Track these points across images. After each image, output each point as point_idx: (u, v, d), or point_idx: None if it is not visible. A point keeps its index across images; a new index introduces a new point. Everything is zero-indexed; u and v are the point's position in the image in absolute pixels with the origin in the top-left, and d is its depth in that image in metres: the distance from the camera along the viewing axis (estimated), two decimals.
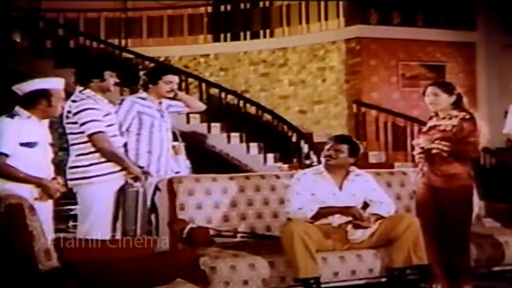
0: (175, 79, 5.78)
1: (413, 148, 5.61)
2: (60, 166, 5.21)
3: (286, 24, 12.68)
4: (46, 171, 4.76)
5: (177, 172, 5.70)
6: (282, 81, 12.62)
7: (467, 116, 5.32)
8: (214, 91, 11.79)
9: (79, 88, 5.28)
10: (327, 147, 5.34)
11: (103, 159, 5.15)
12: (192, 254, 4.62)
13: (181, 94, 5.98)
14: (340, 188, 5.30)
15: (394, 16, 11.88)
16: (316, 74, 12.26)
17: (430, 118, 5.49)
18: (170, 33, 13.50)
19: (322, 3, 12.19)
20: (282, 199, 5.52)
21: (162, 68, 6.41)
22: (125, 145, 5.50)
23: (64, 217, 7.94)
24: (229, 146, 11.09)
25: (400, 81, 11.85)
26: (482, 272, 5.64)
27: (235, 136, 11.13)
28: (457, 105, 5.40)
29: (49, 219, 4.74)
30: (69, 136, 5.21)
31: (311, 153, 10.08)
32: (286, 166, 10.23)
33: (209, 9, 13.48)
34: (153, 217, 5.45)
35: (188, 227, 5.04)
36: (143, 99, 5.68)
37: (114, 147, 5.20)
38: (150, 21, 13.55)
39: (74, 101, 5.17)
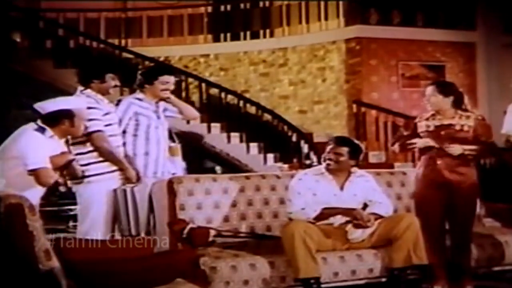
0: (171, 79, 5.74)
1: (404, 144, 5.57)
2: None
3: (286, 24, 12.69)
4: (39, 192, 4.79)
5: (173, 174, 5.68)
6: (282, 81, 12.63)
7: (480, 117, 5.39)
8: (214, 91, 11.79)
9: (80, 88, 5.30)
10: (327, 149, 5.32)
11: (101, 158, 5.16)
12: (192, 254, 4.61)
13: (176, 100, 5.90)
14: (342, 188, 5.29)
15: (394, 16, 11.89)
16: (316, 74, 12.26)
17: (433, 117, 5.46)
18: (170, 33, 13.50)
19: (322, 3, 12.20)
20: (282, 199, 5.51)
21: (159, 68, 6.38)
22: (124, 144, 5.51)
23: (64, 217, 7.94)
24: (229, 146, 11.09)
25: (400, 81, 11.86)
26: (482, 272, 5.64)
27: (235, 136, 11.14)
28: (458, 105, 5.40)
29: None
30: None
31: (311, 153, 10.09)
32: (286, 166, 10.22)
33: (209, 9, 13.49)
34: (151, 217, 5.46)
35: (188, 227, 5.04)
36: (140, 99, 5.65)
37: (112, 147, 5.21)
38: (150, 21, 13.55)
39: None
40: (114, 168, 5.21)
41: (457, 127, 5.36)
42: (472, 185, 5.37)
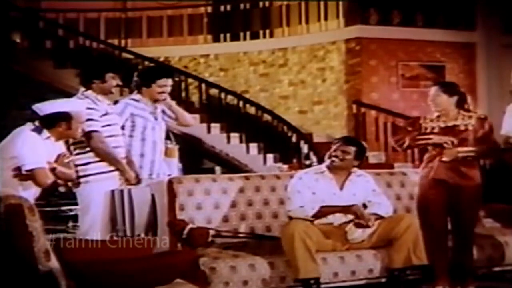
0: (169, 82, 5.73)
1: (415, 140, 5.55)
2: None
3: (286, 24, 12.68)
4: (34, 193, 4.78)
5: (169, 175, 5.67)
6: (282, 82, 12.63)
7: (482, 116, 5.38)
8: (214, 91, 11.80)
9: (81, 89, 5.30)
10: (334, 147, 5.32)
11: (99, 158, 5.17)
12: (192, 255, 4.61)
13: (175, 106, 5.90)
14: (341, 188, 5.30)
15: (394, 16, 11.89)
16: (316, 74, 12.26)
17: (437, 118, 5.44)
18: (170, 33, 13.50)
19: (322, 3, 12.20)
20: (282, 200, 5.51)
21: (157, 71, 6.35)
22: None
23: (64, 217, 7.93)
24: (229, 146, 11.09)
25: (399, 82, 11.86)
26: (482, 272, 5.64)
27: (235, 136, 11.14)
28: (461, 105, 5.39)
29: None
30: None
31: (311, 154, 10.09)
32: (286, 166, 10.23)
33: (209, 9, 13.48)
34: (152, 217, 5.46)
35: (187, 228, 5.04)
36: (137, 100, 5.64)
37: (109, 147, 5.21)
38: (150, 21, 13.55)
39: None
40: (113, 168, 5.22)
41: (462, 128, 5.35)
42: (475, 186, 5.35)
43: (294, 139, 10.65)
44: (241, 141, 11.07)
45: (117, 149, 5.29)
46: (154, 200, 5.40)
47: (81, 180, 5.16)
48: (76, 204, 5.56)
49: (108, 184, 5.20)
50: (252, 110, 11.36)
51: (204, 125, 11.19)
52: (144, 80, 5.69)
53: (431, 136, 5.39)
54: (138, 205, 5.28)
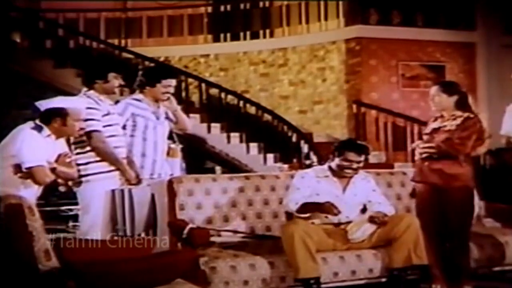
0: (173, 83, 5.73)
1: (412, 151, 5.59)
2: None
3: (286, 24, 12.68)
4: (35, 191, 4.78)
5: (171, 175, 5.67)
6: (282, 81, 12.62)
7: (471, 116, 5.32)
8: (214, 91, 11.79)
9: (84, 89, 5.31)
10: (350, 158, 5.24)
11: (100, 158, 5.17)
12: (192, 254, 4.61)
13: (179, 111, 5.88)
14: (344, 190, 5.32)
15: (394, 16, 11.88)
16: (316, 74, 12.26)
17: (435, 119, 5.45)
18: (170, 33, 13.49)
19: (322, 3, 12.19)
20: (282, 199, 5.51)
21: (162, 70, 6.35)
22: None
23: (64, 217, 7.94)
24: (229, 146, 11.09)
25: (400, 81, 11.85)
26: (482, 272, 5.64)
27: (235, 136, 11.13)
28: (461, 105, 5.38)
29: None
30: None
31: (311, 153, 10.08)
32: (286, 166, 10.23)
33: (209, 9, 13.47)
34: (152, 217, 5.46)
35: (188, 227, 5.04)
36: (139, 100, 5.64)
37: (110, 147, 5.21)
38: (150, 21, 13.54)
39: None
40: (114, 168, 5.22)
41: (447, 128, 5.31)
42: (463, 187, 5.29)
43: (294, 139, 10.64)
44: (241, 141, 11.07)
45: (118, 149, 5.29)
46: (154, 200, 5.40)
47: (82, 179, 5.16)
48: (76, 203, 5.57)
49: (108, 183, 5.21)
50: (252, 110, 11.35)
51: (204, 125, 11.19)
52: (149, 79, 5.67)
53: (414, 145, 5.46)
54: (138, 205, 5.28)
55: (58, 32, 12.86)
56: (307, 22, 12.43)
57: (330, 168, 5.34)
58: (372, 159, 10.81)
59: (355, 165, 5.26)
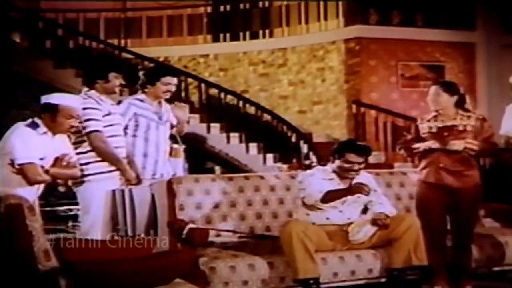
0: (174, 81, 5.75)
1: (409, 148, 5.58)
2: None
3: (286, 24, 12.68)
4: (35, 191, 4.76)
5: (173, 175, 5.68)
6: (282, 81, 12.63)
7: (481, 116, 5.41)
8: (213, 91, 11.79)
9: (85, 89, 5.31)
10: (351, 159, 5.22)
11: (100, 158, 5.17)
12: (192, 254, 4.61)
13: (184, 116, 5.94)
14: None
15: (394, 16, 11.88)
16: (315, 74, 12.26)
17: (435, 118, 5.45)
18: (169, 33, 13.49)
19: (322, 3, 12.19)
20: (281, 200, 5.52)
21: (161, 69, 6.37)
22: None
23: (64, 217, 7.94)
24: (229, 146, 11.09)
25: (399, 81, 11.85)
26: (482, 272, 5.64)
27: (234, 136, 11.13)
28: (460, 105, 5.40)
29: None
30: (72, 135, 5.22)
31: (311, 153, 10.08)
32: (285, 166, 10.23)
33: (209, 9, 13.48)
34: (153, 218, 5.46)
35: (187, 228, 5.04)
36: (141, 100, 5.65)
37: (110, 147, 5.21)
38: (150, 21, 13.54)
39: None
40: (114, 168, 5.22)
41: (460, 128, 5.35)
42: (474, 187, 5.37)
43: (293, 139, 10.64)
44: (240, 141, 11.07)
45: (118, 149, 5.29)
46: (154, 200, 5.41)
47: (82, 179, 5.16)
48: (76, 203, 5.56)
49: (108, 183, 5.21)
50: (251, 110, 11.36)
51: (204, 125, 11.19)
52: (150, 78, 5.69)
53: (417, 145, 5.44)
54: (139, 205, 5.29)
55: (58, 32, 12.86)
56: (307, 22, 12.43)
57: (333, 171, 5.31)
58: (371, 159, 10.79)
59: (356, 167, 5.25)
